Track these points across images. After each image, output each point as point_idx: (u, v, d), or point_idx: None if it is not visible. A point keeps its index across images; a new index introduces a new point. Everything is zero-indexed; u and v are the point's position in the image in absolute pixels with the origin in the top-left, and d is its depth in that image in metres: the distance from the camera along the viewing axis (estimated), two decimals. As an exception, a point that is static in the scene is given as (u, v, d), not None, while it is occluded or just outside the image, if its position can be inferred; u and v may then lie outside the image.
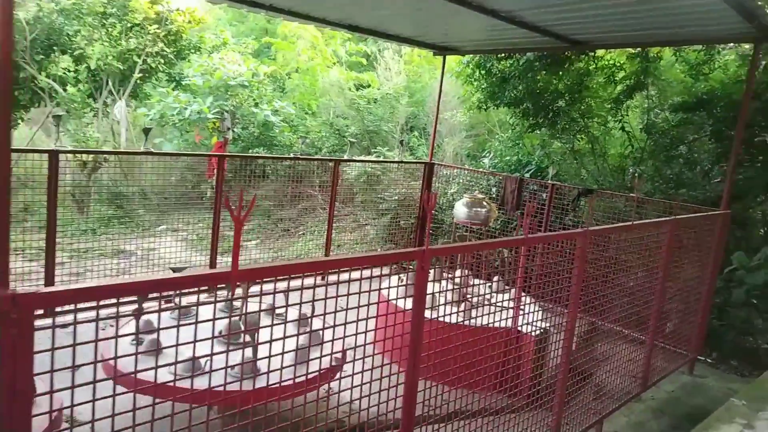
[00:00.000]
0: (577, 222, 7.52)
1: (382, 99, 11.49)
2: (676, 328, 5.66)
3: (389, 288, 2.78)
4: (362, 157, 10.33)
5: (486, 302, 3.50)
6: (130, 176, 9.69)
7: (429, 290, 2.60)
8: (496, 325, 3.20)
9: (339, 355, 4.02)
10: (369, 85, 11.93)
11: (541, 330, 4.27)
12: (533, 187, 7.92)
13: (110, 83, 9.84)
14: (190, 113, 8.62)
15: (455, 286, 4.15)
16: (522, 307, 3.70)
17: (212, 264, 6.37)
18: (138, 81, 10.24)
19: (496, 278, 5.25)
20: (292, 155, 7.23)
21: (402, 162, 8.35)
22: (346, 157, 7.57)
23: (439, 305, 3.78)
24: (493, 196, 7.93)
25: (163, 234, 8.07)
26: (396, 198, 8.64)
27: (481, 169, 8.37)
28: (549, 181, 7.39)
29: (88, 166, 10.02)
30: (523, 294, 3.89)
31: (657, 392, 5.34)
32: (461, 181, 8.69)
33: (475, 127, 11.37)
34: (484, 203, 5.56)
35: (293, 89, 11.80)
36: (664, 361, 5.45)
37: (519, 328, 3.76)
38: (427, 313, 2.74)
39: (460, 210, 5.52)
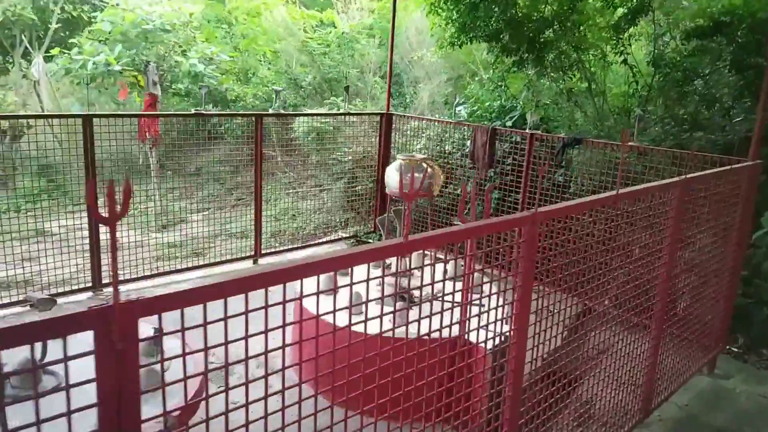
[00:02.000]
0: (568, 180, 6.15)
1: (342, 41, 9.95)
2: (690, 314, 4.35)
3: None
4: (290, 112, 8.91)
5: (434, 300, 2.28)
6: (59, 143, 8.37)
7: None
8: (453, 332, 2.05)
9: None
10: (333, 25, 10.37)
11: (502, 339, 2.96)
12: (516, 138, 6.52)
13: (24, 37, 8.43)
14: (92, 66, 7.22)
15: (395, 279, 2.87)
16: (480, 306, 2.41)
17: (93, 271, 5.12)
18: (64, 34, 8.80)
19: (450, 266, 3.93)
20: (193, 111, 5.85)
21: (347, 114, 6.95)
22: (271, 111, 6.20)
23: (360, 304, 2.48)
24: (466, 152, 6.54)
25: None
26: (350, 158, 7.28)
27: (445, 119, 6.94)
28: (528, 131, 5.98)
29: (8, 134, 8.74)
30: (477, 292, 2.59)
31: (666, 406, 4.06)
32: (432, 134, 7.28)
33: (456, 69, 9.85)
34: (425, 166, 4.20)
35: (245, 34, 10.27)
36: (675, 358, 4.16)
37: (470, 338, 2.48)
38: (347, 320, 1.91)
39: (392, 177, 4.18)
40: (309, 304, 2.16)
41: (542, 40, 7.36)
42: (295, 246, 7.05)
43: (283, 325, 1.81)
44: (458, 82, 9.75)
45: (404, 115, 7.31)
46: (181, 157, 6.88)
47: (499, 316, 2.50)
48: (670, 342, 4.07)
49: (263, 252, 6.43)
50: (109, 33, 7.43)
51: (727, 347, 5.00)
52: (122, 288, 5.49)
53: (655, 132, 6.88)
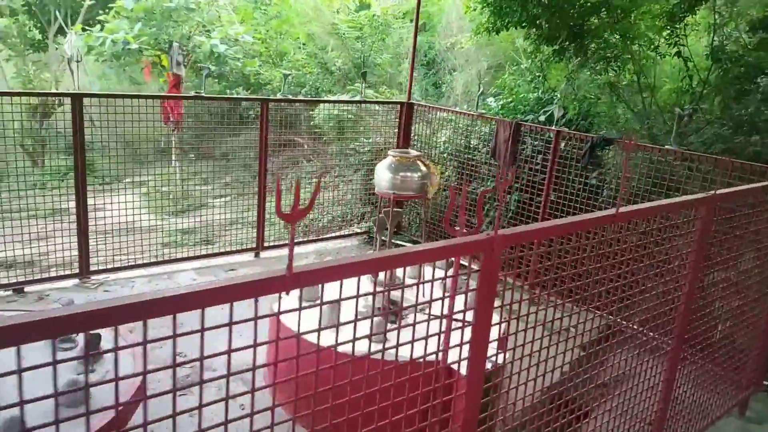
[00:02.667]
0: (599, 184, 5.58)
1: (375, 24, 9.48)
2: (720, 342, 3.80)
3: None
4: (302, 97, 8.53)
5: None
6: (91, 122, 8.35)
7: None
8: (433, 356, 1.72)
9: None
10: (369, 6, 9.93)
11: (491, 364, 2.54)
12: (550, 135, 5.97)
13: (59, 14, 8.43)
14: (110, 44, 7.07)
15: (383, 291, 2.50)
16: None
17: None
18: (96, 11, 8.76)
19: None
20: (193, 93, 5.59)
21: (363, 102, 6.55)
22: (279, 96, 5.88)
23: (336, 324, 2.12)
24: (488, 147, 6.05)
25: (124, 189, 6.68)
26: (369, 149, 6.90)
27: (468, 111, 6.44)
28: (554, 127, 5.44)
29: (39, 111, 8.82)
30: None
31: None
32: (459, 126, 6.80)
33: (497, 57, 9.27)
34: (419, 165, 3.78)
35: (279, 14, 9.96)
36: (699, 393, 3.62)
37: (451, 364, 2.08)
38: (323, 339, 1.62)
39: (382, 175, 3.77)
40: (286, 318, 1.83)
41: (585, 27, 6.75)
42: (306, 239, 6.74)
43: (255, 345, 1.50)
44: (498, 72, 9.18)
45: (426, 105, 6.87)
46: (203, 140, 6.66)
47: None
48: (692, 373, 3.54)
49: (266, 245, 6.16)
50: (131, 10, 7.30)
51: (765, 384, 4.39)
52: (116, 276, 5.33)
53: (705, 134, 6.20)
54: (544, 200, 5.44)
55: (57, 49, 8.76)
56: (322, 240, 6.70)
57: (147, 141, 7.91)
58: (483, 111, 6.34)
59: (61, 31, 8.70)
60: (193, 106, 8.21)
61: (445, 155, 6.77)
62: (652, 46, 6.89)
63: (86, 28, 7.47)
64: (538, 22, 6.79)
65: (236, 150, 7.17)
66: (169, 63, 7.74)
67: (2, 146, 6.28)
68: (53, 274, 5.05)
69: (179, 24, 7.41)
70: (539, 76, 7.64)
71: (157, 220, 6.74)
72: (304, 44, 9.93)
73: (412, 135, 6.68)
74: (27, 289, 4.90)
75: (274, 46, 9.75)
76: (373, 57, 9.29)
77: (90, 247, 5.13)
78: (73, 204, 5.08)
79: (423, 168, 3.78)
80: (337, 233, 6.91)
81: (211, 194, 7.82)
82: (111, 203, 5.36)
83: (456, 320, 2.06)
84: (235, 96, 7.79)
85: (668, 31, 6.70)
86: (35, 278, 4.94)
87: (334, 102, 7.72)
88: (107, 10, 8.17)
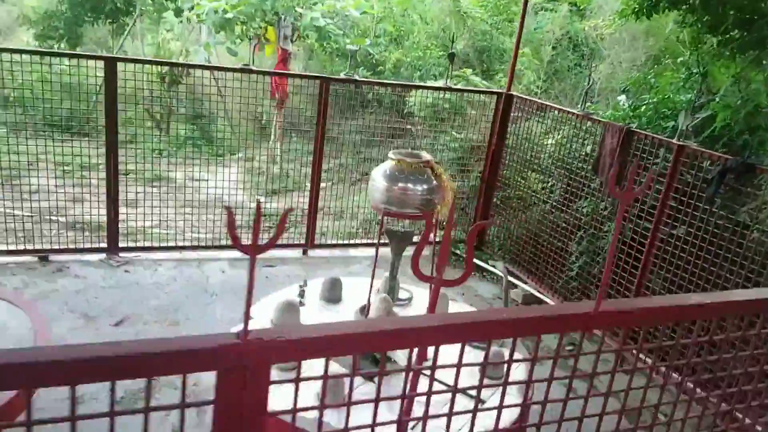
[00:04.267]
0: (748, 223, 4.06)
1: (499, 3, 8.15)
2: None
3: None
4: (366, 78, 7.51)
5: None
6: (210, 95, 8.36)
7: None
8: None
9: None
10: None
11: None
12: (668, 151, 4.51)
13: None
14: (211, 12, 6.74)
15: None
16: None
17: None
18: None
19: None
20: (241, 65, 4.94)
21: (447, 89, 5.48)
22: (343, 76, 5.06)
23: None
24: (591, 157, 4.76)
25: (234, 163, 6.58)
26: (458, 144, 5.89)
27: (572, 110, 5.10)
28: (675, 140, 4.05)
29: (167, 78, 9.02)
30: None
31: None
32: (564, 127, 5.51)
33: (656, 46, 7.58)
34: (427, 174, 2.79)
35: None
36: None
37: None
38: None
39: (378, 184, 2.84)
40: None
41: (760, 10, 5.07)
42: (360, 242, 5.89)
43: None
44: (644, 65, 7.51)
45: (527, 98, 5.64)
46: (308, 120, 6.14)
47: None
48: None
49: (316, 243, 5.49)
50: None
51: None
52: (146, 255, 5.01)
53: None
54: (651, 239, 4.09)
55: (182, 21, 8.84)
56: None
57: (251, 118, 7.71)
58: (590, 111, 5.00)
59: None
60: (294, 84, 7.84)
61: (550, 162, 5.55)
62: None
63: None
64: (695, 2, 5.25)
65: (342, 134, 6.58)
66: (276, 37, 7.35)
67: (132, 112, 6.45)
68: (80, 246, 4.86)
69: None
70: (697, 73, 6.01)
71: (246, 198, 6.45)
72: (426, 23, 9.01)
73: (507, 133, 5.55)
74: (51, 257, 4.74)
75: (392, 24, 8.97)
76: (500, 40, 8.09)
77: (120, 221, 4.84)
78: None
79: (432, 179, 2.80)
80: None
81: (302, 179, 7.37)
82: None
83: None
84: (291, 72, 7.18)
85: None
86: (60, 248, 4.77)
87: (408, 86, 6.79)
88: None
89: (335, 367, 2.61)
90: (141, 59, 6.02)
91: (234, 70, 4.92)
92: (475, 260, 5.62)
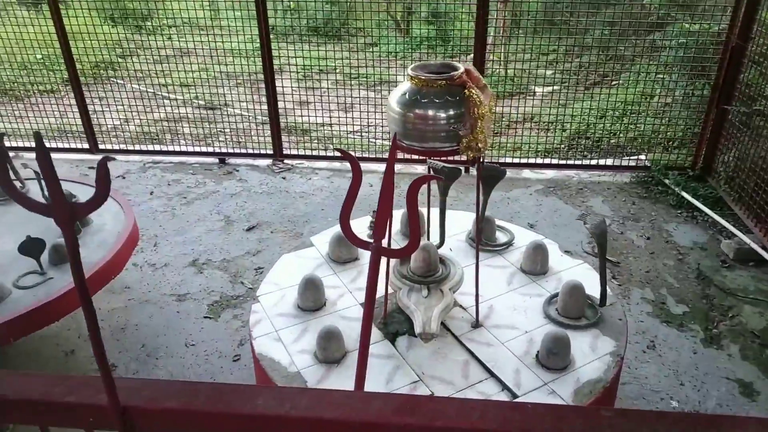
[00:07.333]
0: None
1: None
2: None
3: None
4: None
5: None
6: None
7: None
8: None
9: None
10: None
11: None
12: None
13: None
14: None
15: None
16: None
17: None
18: None
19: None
20: None
21: None
22: None
23: None
24: None
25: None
26: (683, 41, 4.44)
27: None
28: None
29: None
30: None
31: None
32: None
33: None
34: (457, 96, 2.04)
35: None
36: None
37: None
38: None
39: (391, 111, 2.16)
40: None
41: None
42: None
43: None
44: None
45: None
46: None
47: None
48: None
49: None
50: None
51: None
52: (309, 164, 5.05)
53: None
54: None
55: None
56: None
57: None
58: None
59: None
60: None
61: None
62: None
63: None
64: None
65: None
66: None
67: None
68: (251, 151, 5.15)
69: None
70: None
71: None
72: None
73: (756, 25, 3.93)
74: (228, 160, 5.13)
75: None
76: None
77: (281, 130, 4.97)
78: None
79: (473, 96, 2.03)
80: (612, 162, 4.86)
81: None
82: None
83: None
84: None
85: None
86: (235, 152, 5.13)
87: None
88: None
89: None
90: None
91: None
92: (683, 193, 4.36)
